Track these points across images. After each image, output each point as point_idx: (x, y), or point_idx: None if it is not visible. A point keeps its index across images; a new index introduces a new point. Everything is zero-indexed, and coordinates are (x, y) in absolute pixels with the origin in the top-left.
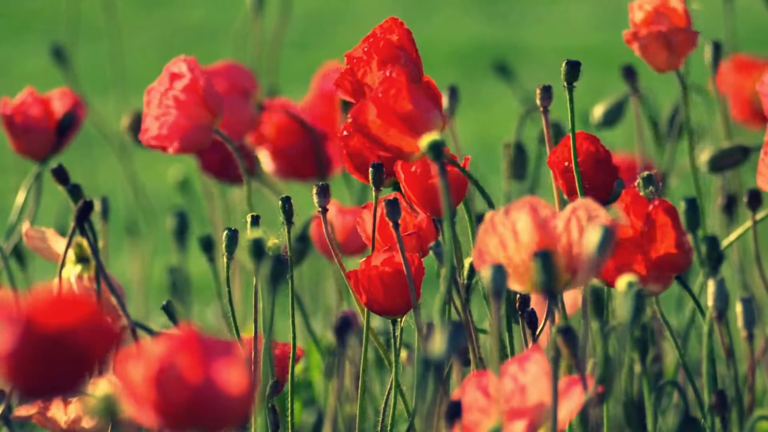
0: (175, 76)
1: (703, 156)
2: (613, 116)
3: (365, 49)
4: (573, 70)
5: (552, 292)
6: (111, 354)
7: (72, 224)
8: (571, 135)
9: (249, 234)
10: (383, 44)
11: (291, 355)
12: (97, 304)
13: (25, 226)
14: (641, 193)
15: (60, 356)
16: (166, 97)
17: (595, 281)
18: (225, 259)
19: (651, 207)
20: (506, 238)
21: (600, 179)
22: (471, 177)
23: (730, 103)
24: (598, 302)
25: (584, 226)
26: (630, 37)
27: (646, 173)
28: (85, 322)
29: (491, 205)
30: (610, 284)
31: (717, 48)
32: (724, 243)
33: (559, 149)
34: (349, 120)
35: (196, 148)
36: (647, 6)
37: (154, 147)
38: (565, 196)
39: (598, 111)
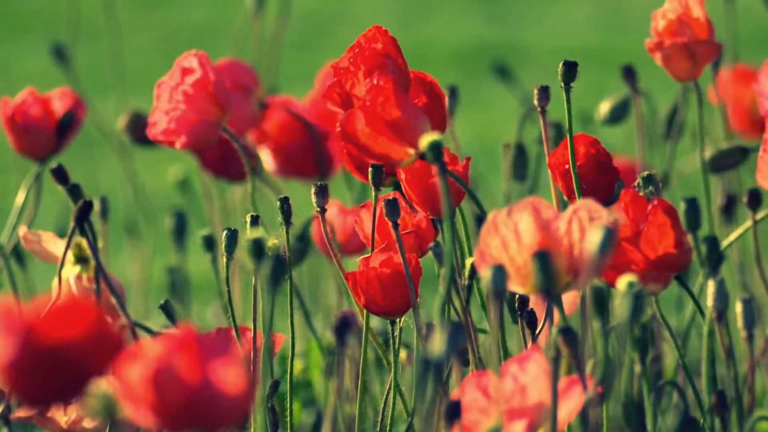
0: (185, 71)
1: (703, 156)
2: (618, 113)
3: (351, 59)
4: (570, 70)
5: (551, 293)
6: (114, 362)
7: (72, 224)
8: (568, 135)
9: (249, 234)
10: (368, 54)
11: (291, 355)
12: (100, 313)
13: (22, 230)
14: (641, 193)
15: (60, 366)
16: (176, 91)
17: (596, 281)
18: (225, 259)
19: (650, 207)
20: (508, 239)
21: (601, 181)
22: (463, 184)
23: (729, 113)
24: (599, 302)
25: (586, 227)
26: (653, 46)
27: (645, 173)
28: (87, 331)
29: (483, 212)
30: (609, 284)
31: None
32: (724, 243)
33: (560, 151)
34: (338, 129)
35: (203, 143)
36: (670, 15)
37: (161, 142)
38: (566, 198)
39: (603, 108)
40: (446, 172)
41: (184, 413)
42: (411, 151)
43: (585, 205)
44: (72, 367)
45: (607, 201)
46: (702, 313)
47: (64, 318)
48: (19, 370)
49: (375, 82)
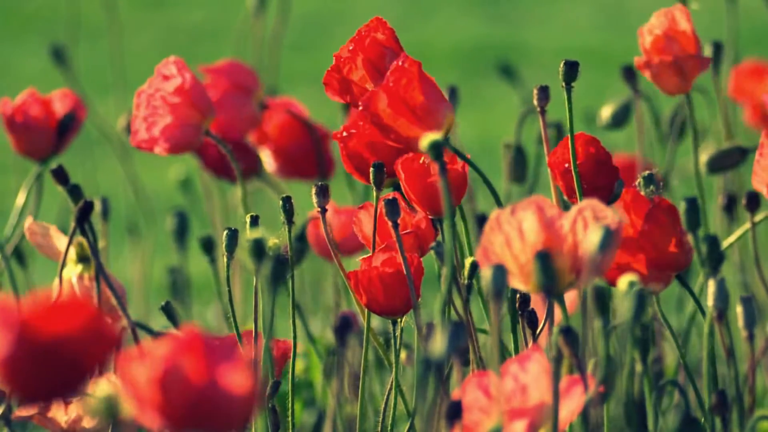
0: (164, 78)
1: (702, 157)
2: (620, 118)
3: (350, 48)
4: (571, 70)
5: (552, 293)
6: (110, 357)
7: (72, 224)
8: (569, 135)
9: (249, 234)
10: (369, 42)
11: (292, 355)
12: (95, 309)
13: (28, 221)
14: (642, 193)
15: (55, 362)
16: (155, 98)
17: (597, 280)
18: (225, 259)
19: (651, 206)
20: (512, 237)
21: (601, 180)
22: (480, 173)
23: (745, 108)
24: (600, 302)
25: (590, 226)
26: (642, 64)
27: (646, 173)
28: (82, 327)
29: (499, 202)
30: (612, 283)
31: (718, 49)
32: (725, 244)
33: (559, 150)
34: (360, 107)
35: (185, 149)
36: (657, 30)
37: (143, 149)
38: (566, 197)
39: (606, 112)
40: (446, 172)
41: (190, 414)
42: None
43: (590, 205)
44: (67, 362)
45: (608, 200)
46: (703, 312)
47: (59, 313)
48: (15, 365)
49: (400, 63)
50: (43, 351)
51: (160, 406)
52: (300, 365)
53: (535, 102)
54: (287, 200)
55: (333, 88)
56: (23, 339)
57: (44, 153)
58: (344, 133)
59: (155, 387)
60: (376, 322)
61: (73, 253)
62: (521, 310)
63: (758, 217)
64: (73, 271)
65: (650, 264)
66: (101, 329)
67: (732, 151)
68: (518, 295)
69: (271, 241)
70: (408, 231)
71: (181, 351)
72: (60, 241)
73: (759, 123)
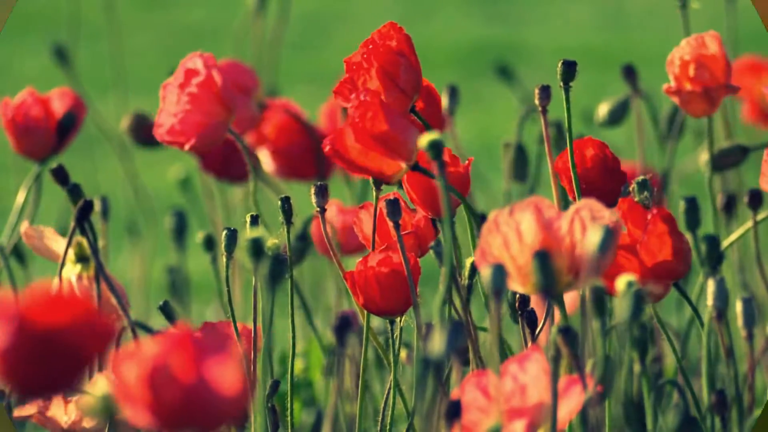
0: (190, 72)
1: (703, 156)
2: (617, 115)
3: (364, 55)
4: (569, 70)
5: (550, 293)
6: (108, 352)
7: (72, 224)
8: (568, 135)
9: (248, 233)
10: (383, 50)
11: (291, 354)
12: (92, 303)
13: (24, 226)
14: (635, 199)
15: (53, 354)
16: (182, 93)
17: (596, 281)
18: (224, 259)
19: (649, 216)
20: (510, 238)
21: (608, 185)
22: (456, 192)
23: (741, 104)
24: (598, 302)
25: (588, 226)
26: (672, 91)
27: (640, 178)
28: (79, 320)
29: (475, 215)
30: (609, 291)
31: None
32: (725, 243)
33: (567, 155)
34: (328, 148)
35: (210, 144)
36: (687, 57)
37: (168, 143)
38: (572, 200)
39: (602, 110)
40: (445, 172)
41: (180, 412)
42: (402, 164)
43: (587, 205)
44: (65, 354)
45: (614, 204)
46: (699, 317)
47: (57, 306)
48: (13, 357)
49: (362, 97)
50: (41, 343)
51: (149, 405)
52: (299, 364)
53: (537, 101)
54: (286, 200)
55: (345, 98)
56: (22, 331)
57: (44, 153)
58: None
59: (144, 385)
60: (377, 321)
61: (72, 253)
62: (521, 310)
63: (760, 215)
64: (72, 271)
65: (648, 273)
66: (98, 322)
67: (733, 150)
68: (518, 296)
69: (270, 241)
70: (408, 231)
71: (171, 349)
72: (56, 243)
73: (757, 118)
